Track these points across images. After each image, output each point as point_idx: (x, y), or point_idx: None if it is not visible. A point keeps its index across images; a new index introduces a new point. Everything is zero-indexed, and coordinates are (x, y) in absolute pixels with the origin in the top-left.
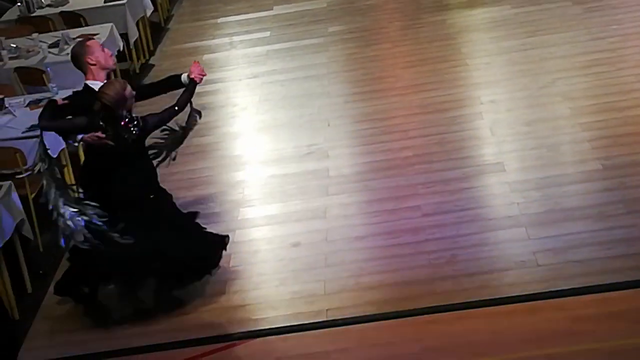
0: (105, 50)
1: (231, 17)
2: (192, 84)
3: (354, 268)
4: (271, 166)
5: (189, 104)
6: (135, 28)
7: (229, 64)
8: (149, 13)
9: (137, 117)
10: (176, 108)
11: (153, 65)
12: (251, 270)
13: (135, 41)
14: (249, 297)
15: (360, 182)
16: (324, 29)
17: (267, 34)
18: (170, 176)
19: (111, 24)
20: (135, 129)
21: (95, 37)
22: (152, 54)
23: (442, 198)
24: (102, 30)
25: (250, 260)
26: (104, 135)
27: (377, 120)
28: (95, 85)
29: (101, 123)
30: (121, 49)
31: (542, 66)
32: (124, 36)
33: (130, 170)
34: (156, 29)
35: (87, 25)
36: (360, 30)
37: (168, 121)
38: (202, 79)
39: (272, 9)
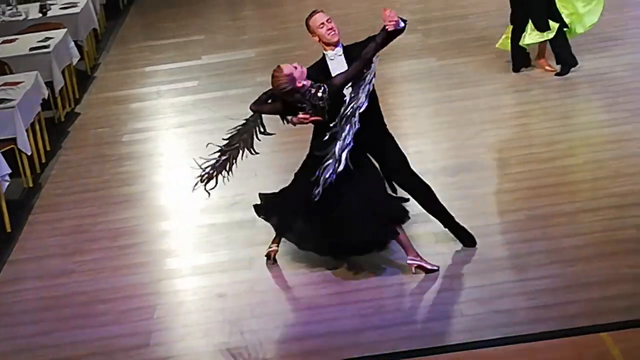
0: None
1: (159, 65)
2: (383, 33)
3: (280, 319)
4: (198, 216)
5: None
6: (61, 76)
7: (157, 113)
8: (75, 61)
9: (319, 84)
10: (360, 62)
11: (79, 114)
12: (176, 321)
13: (61, 89)
14: (173, 348)
15: None
16: (252, 79)
17: (195, 83)
18: (95, 226)
19: (36, 72)
20: (324, 94)
21: (19, 85)
22: (77, 102)
23: None
24: (27, 79)
25: (175, 311)
26: (307, 115)
27: None
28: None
29: (298, 104)
30: (46, 97)
31: (467, 118)
32: (50, 84)
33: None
34: (83, 77)
35: (12, 73)
36: None
37: (354, 77)
38: (394, 25)
39: (200, 59)
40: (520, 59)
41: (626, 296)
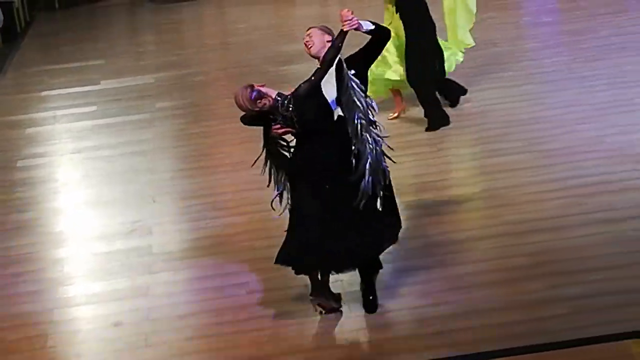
0: None
1: (57, 90)
2: (341, 35)
3: (175, 347)
4: (94, 243)
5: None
6: None
7: (53, 138)
8: None
9: (286, 95)
10: (321, 66)
11: None
12: (69, 351)
13: None
14: None
15: (185, 260)
16: (152, 105)
17: (94, 108)
18: None
19: None
20: (290, 105)
21: None
22: None
23: (269, 274)
24: None
25: (69, 341)
26: (278, 126)
27: (204, 196)
28: None
29: (270, 116)
30: None
31: None
32: None
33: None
34: None
35: None
36: (188, 106)
37: (318, 82)
38: (351, 26)
39: (99, 83)
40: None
41: (522, 322)
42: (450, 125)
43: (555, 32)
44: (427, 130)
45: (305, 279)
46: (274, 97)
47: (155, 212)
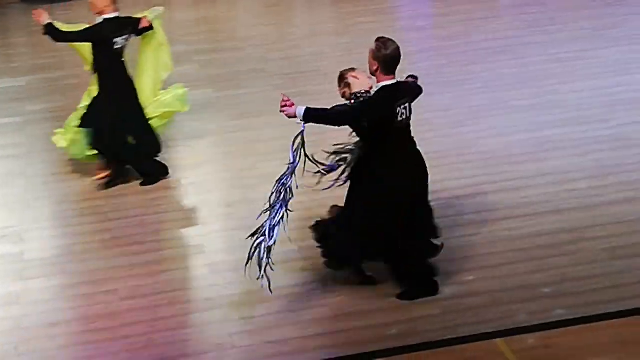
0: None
1: None
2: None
3: (46, 357)
4: None
5: None
6: None
7: None
8: None
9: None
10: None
11: None
12: None
13: None
14: None
15: (56, 266)
16: (22, 108)
17: None
18: None
19: None
20: None
21: None
22: None
23: (140, 281)
24: None
25: None
26: None
27: (76, 201)
28: None
29: None
30: None
31: (245, 148)
32: None
33: None
34: None
35: None
36: (60, 110)
37: None
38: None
39: None
40: None
41: (396, 323)
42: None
43: (430, 36)
44: (142, 184)
45: (178, 283)
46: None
47: (27, 217)
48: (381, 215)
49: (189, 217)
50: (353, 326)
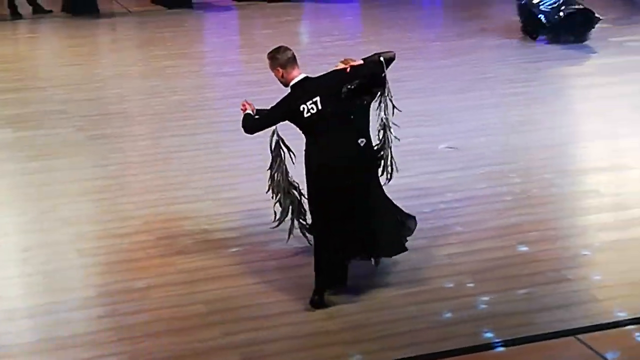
0: None
1: None
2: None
3: None
4: None
5: None
6: None
7: None
8: None
9: None
10: None
11: None
12: None
13: None
14: None
15: None
16: None
17: None
18: None
19: None
20: None
21: None
22: None
23: None
24: None
25: None
26: None
27: None
28: None
29: None
30: None
31: (44, 191)
32: None
33: None
34: None
35: None
36: None
37: None
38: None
39: None
40: None
41: None
42: (129, 172)
43: (235, 82)
44: None
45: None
46: None
47: None
48: (311, 200)
49: None
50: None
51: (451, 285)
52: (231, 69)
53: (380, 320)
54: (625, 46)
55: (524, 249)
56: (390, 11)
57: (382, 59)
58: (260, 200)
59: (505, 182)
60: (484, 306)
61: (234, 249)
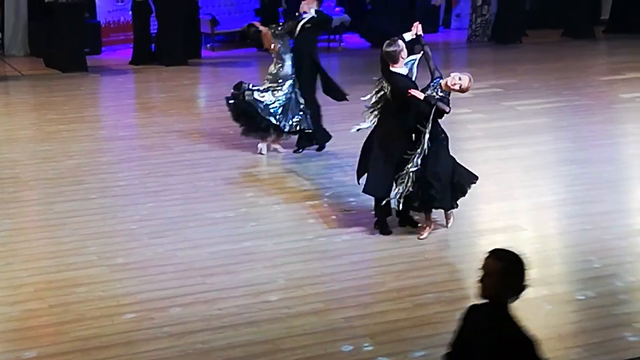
0: None
1: None
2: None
3: None
4: None
5: None
6: None
7: None
8: None
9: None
10: None
11: None
12: None
13: None
14: None
15: None
16: None
17: None
18: None
19: None
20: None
21: None
22: None
23: None
24: None
25: None
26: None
27: None
28: None
29: None
30: None
31: None
32: None
33: None
34: None
35: None
36: None
37: None
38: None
39: None
40: None
41: None
42: (20, 238)
43: (130, 146)
44: None
45: None
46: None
47: None
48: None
49: None
50: None
51: (350, 348)
52: (126, 133)
53: None
54: (517, 110)
55: (421, 311)
56: None
57: (436, 107)
58: (154, 266)
59: (401, 244)
60: None
61: (129, 316)
